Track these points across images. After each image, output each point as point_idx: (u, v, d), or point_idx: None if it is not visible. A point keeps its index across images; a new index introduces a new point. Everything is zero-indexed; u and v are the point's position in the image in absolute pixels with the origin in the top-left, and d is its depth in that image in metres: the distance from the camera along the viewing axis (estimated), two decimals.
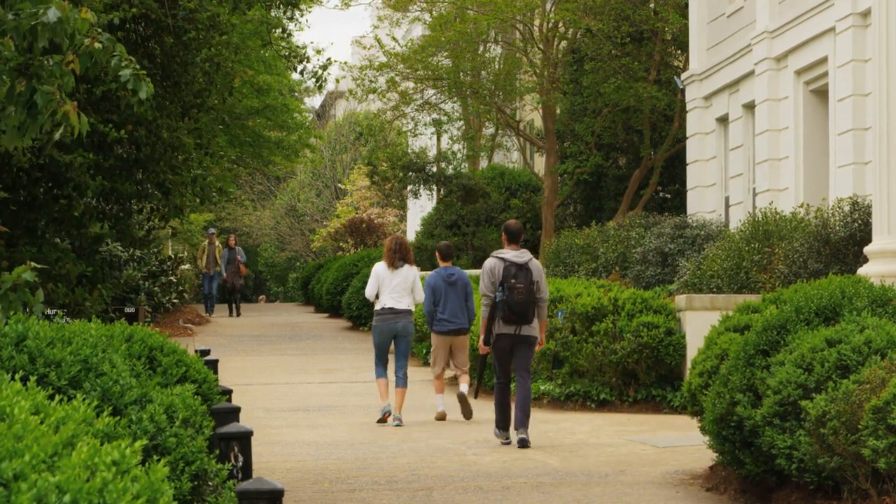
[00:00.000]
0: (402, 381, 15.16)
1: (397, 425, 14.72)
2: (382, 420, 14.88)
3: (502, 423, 13.12)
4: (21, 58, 6.60)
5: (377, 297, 15.22)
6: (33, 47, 6.59)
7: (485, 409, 15.98)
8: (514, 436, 12.96)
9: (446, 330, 15.54)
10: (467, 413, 15.16)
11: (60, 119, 6.54)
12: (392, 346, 15.37)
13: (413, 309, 15.29)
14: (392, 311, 15.09)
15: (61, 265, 11.76)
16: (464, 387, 15.30)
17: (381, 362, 15.25)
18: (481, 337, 13.20)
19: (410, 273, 15.22)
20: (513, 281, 12.78)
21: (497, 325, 12.94)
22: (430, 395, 16.73)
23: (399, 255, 15.19)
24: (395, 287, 15.11)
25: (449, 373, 17.21)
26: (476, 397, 14.70)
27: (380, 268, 15.25)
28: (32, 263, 6.51)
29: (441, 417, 15.24)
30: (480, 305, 13.33)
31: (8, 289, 6.38)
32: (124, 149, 12.84)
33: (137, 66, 6.97)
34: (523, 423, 12.84)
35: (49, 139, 6.81)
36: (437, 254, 16.11)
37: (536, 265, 13.02)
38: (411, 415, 15.84)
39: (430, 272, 16.49)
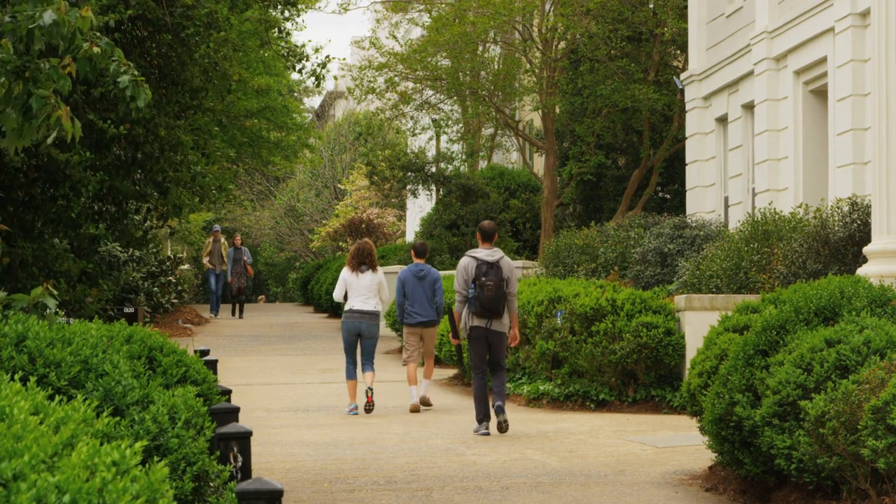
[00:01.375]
0: (370, 369, 16.29)
1: (368, 396, 15.89)
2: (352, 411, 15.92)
3: (482, 417, 13.93)
4: (18, 60, 6.60)
5: (346, 298, 16.33)
6: (30, 50, 6.59)
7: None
8: (493, 421, 13.90)
9: (415, 322, 16.81)
10: (425, 403, 16.44)
11: (53, 123, 6.54)
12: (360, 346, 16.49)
13: (380, 310, 16.33)
14: (359, 312, 16.21)
15: (61, 262, 11.77)
16: (425, 384, 16.66)
17: (350, 360, 16.31)
18: (451, 332, 14.69)
19: (375, 277, 16.28)
20: (483, 279, 13.77)
21: (470, 319, 13.93)
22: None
23: (360, 261, 16.28)
24: (360, 290, 16.22)
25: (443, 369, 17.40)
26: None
27: (346, 272, 16.40)
28: (50, 288, 6.52)
29: (415, 409, 16.15)
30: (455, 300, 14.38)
31: (20, 308, 6.40)
32: (122, 148, 12.82)
33: (136, 72, 6.96)
34: (502, 409, 13.79)
35: (45, 141, 6.82)
36: (412, 251, 17.33)
37: (507, 263, 13.95)
38: (409, 414, 15.87)
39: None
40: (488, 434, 13.75)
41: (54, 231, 12.24)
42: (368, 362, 16.27)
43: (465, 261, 13.97)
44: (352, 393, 16.16)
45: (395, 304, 17.01)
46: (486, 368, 14.09)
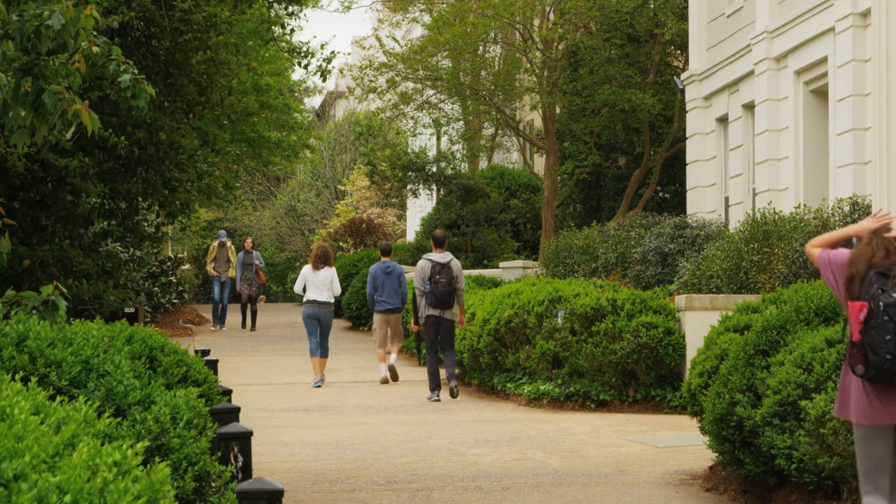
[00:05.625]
0: (324, 354, 19.59)
1: (317, 385, 19.06)
2: (318, 386, 18.98)
3: (434, 386, 17.20)
4: (26, 58, 6.59)
5: (304, 290, 19.67)
6: (37, 48, 6.58)
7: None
8: (444, 389, 17.37)
9: (383, 309, 19.99)
10: (394, 377, 19.63)
11: (72, 118, 6.53)
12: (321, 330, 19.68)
13: (332, 300, 19.72)
14: (315, 302, 19.60)
15: (80, 262, 11.81)
16: (393, 357, 19.87)
17: (313, 340, 19.52)
18: (413, 319, 18.10)
19: (329, 273, 19.65)
20: (437, 277, 17.27)
21: (426, 309, 17.40)
22: (426, 395, 17.46)
23: (321, 260, 19.66)
24: (317, 284, 19.60)
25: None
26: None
27: (306, 269, 19.79)
28: (61, 287, 6.50)
29: (384, 381, 19.41)
30: (414, 295, 17.94)
31: (31, 308, 6.39)
32: (124, 149, 12.79)
33: (136, 71, 6.95)
34: (453, 376, 17.37)
35: (46, 142, 6.83)
36: (379, 251, 20.35)
37: (456, 264, 17.47)
38: (410, 414, 15.88)
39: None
40: (439, 401, 17.01)
41: (65, 228, 12.26)
42: (323, 345, 19.47)
43: (421, 263, 17.54)
44: (316, 368, 19.41)
45: (367, 295, 20.38)
46: (437, 348, 17.42)
